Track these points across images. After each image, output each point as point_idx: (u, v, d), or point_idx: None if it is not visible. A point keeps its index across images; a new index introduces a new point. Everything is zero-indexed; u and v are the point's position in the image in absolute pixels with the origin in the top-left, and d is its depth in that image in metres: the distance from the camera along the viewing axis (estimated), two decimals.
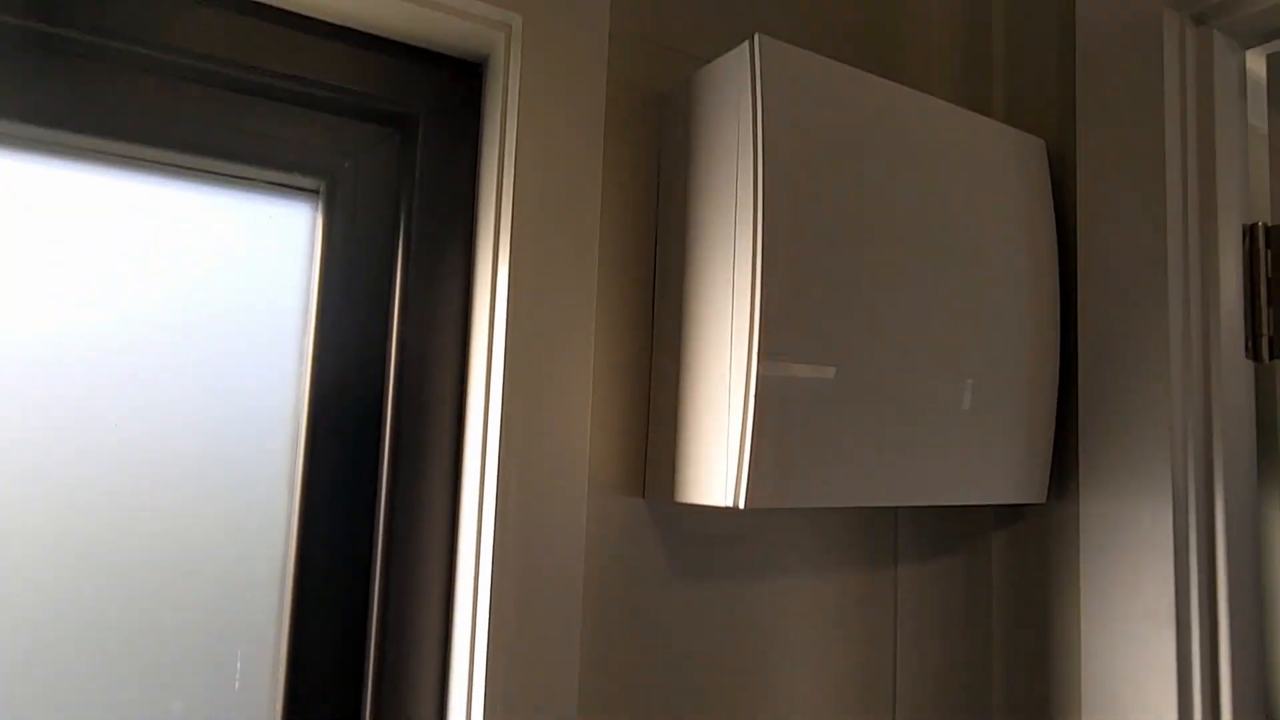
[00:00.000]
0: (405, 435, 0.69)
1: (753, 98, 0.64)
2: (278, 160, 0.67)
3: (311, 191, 0.69)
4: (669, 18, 0.77)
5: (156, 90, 0.63)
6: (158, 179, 0.64)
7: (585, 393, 0.68)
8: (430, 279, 0.71)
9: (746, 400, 0.61)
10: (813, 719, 0.78)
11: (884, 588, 0.84)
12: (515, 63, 0.68)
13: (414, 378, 0.69)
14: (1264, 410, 0.82)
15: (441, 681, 0.68)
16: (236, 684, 0.64)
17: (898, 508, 0.86)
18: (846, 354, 0.66)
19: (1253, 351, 0.77)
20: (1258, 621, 0.76)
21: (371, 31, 0.70)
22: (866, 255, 0.67)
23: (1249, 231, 0.78)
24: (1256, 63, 0.82)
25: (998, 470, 0.75)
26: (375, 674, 0.66)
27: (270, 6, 0.66)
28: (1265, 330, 0.77)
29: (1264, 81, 0.86)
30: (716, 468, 0.64)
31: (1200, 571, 0.73)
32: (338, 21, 0.68)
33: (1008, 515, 0.89)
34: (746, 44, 0.65)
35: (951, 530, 0.89)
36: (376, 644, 0.66)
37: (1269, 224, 0.78)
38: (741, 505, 0.61)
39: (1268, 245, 0.77)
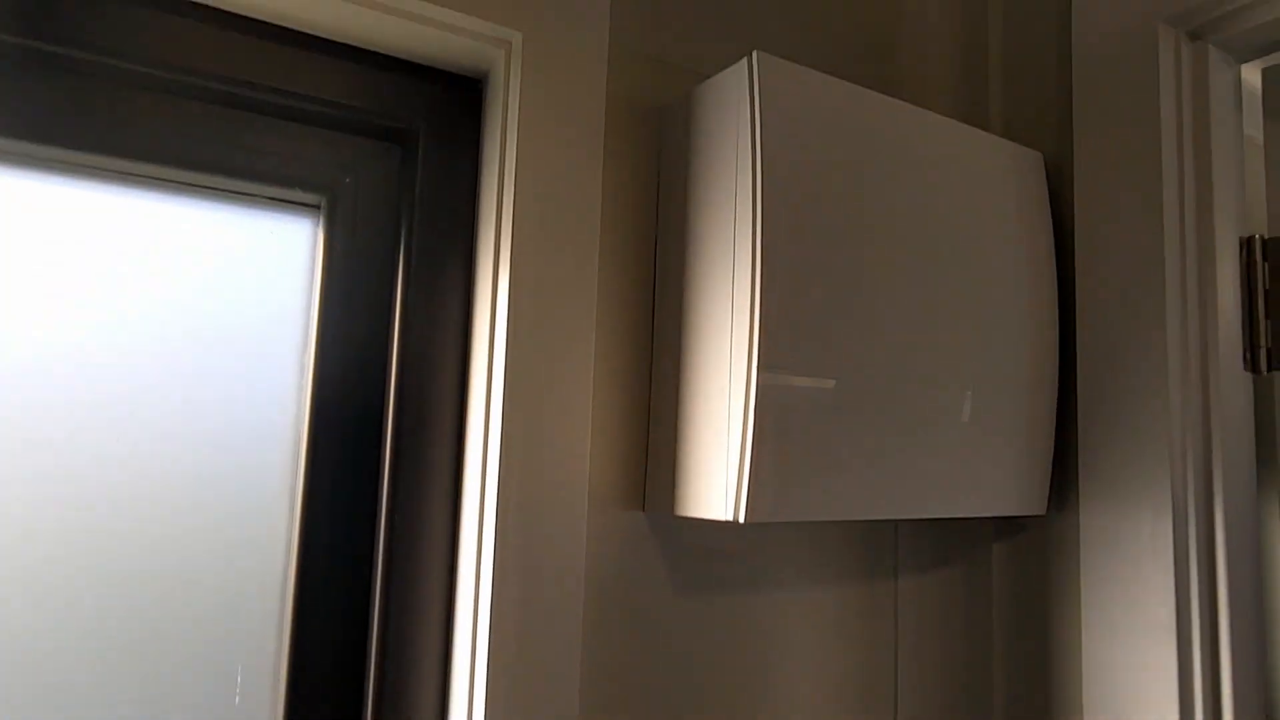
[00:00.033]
0: (405, 450, 0.69)
1: (751, 114, 0.64)
2: (279, 176, 0.68)
3: (313, 206, 0.70)
4: (668, 34, 0.78)
5: (159, 107, 0.63)
6: (160, 195, 0.64)
7: (585, 407, 0.68)
8: (430, 293, 0.71)
9: (746, 414, 0.62)
10: None
11: (884, 599, 0.84)
12: (515, 79, 0.68)
13: (414, 392, 0.69)
14: (1262, 422, 0.82)
15: (442, 698, 0.68)
16: (237, 699, 0.63)
17: (898, 520, 0.86)
18: (846, 367, 0.66)
19: (1251, 363, 0.77)
20: (1259, 632, 0.76)
21: (372, 49, 0.70)
22: (865, 269, 0.68)
23: (1246, 244, 0.78)
24: (1252, 74, 0.83)
25: (998, 482, 0.75)
26: (375, 690, 0.66)
27: (271, 24, 0.66)
28: (1263, 342, 0.77)
29: (1259, 93, 0.87)
30: (716, 482, 0.64)
31: (1201, 582, 0.73)
32: (339, 39, 0.69)
33: (1008, 527, 0.89)
34: (745, 60, 0.65)
35: (952, 542, 0.89)
36: (377, 661, 0.66)
37: (1265, 236, 0.78)
38: (742, 519, 0.61)
39: (1264, 257, 0.78)
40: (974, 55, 0.95)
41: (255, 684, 0.64)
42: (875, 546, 0.84)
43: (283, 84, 0.66)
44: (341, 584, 0.67)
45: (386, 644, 0.67)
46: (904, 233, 0.70)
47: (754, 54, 0.65)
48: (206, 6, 0.64)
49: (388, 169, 0.72)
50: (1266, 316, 0.77)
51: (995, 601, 0.89)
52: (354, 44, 0.69)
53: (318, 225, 0.70)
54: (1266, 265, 0.78)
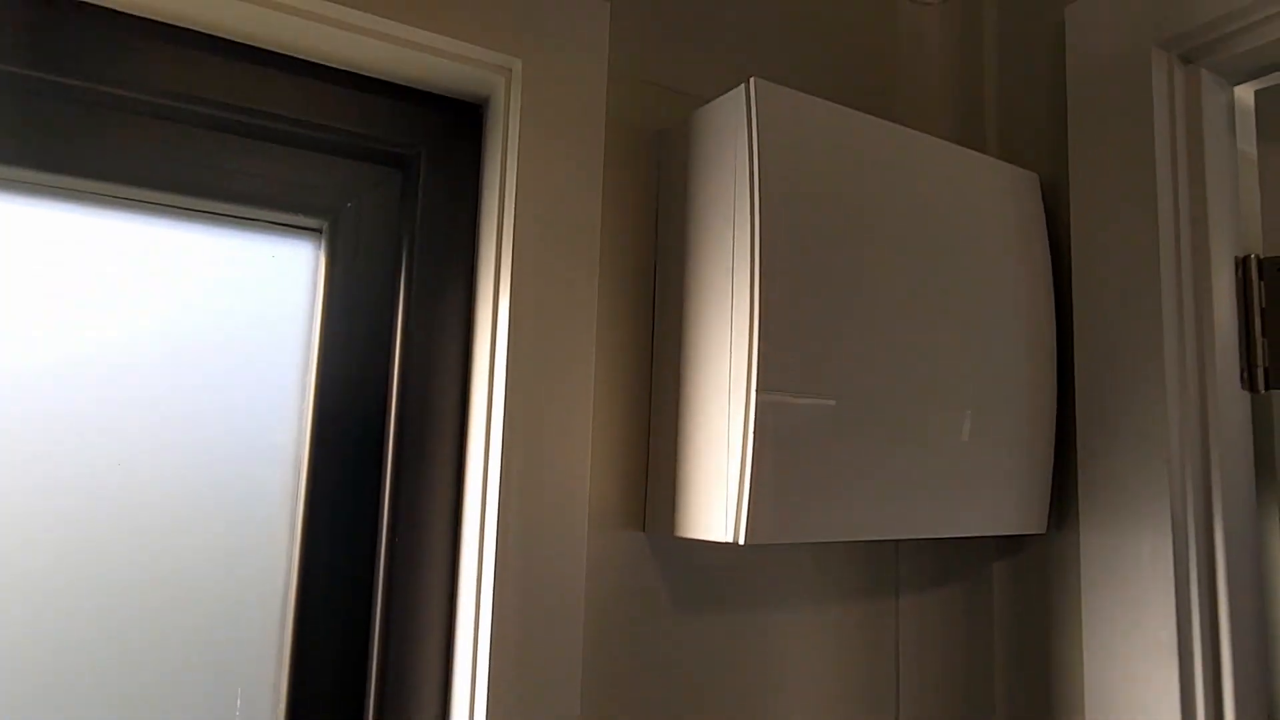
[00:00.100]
0: (406, 471, 0.69)
1: (749, 139, 0.65)
2: (280, 201, 0.68)
3: (314, 231, 0.70)
4: (667, 59, 0.79)
5: (163, 134, 0.64)
6: (163, 221, 0.65)
7: (585, 428, 0.69)
8: (431, 317, 0.71)
9: (746, 435, 0.62)
10: None
11: (885, 619, 0.84)
12: (515, 105, 0.69)
13: (415, 414, 0.70)
14: (1260, 441, 0.82)
15: (443, 717, 0.68)
16: (237, 714, 0.63)
17: (898, 539, 0.86)
18: (845, 387, 0.66)
19: (1248, 382, 0.78)
20: (1261, 650, 0.76)
21: (374, 75, 0.71)
22: (864, 290, 0.68)
23: (1241, 264, 0.79)
24: (1245, 93, 0.83)
25: (998, 501, 0.75)
26: (375, 709, 0.66)
27: (273, 52, 0.67)
28: (1260, 361, 0.77)
29: (1253, 115, 0.87)
30: (716, 503, 0.64)
31: (1202, 601, 0.73)
32: (340, 66, 0.69)
33: (1008, 546, 0.89)
34: (743, 86, 0.66)
35: (952, 561, 0.89)
36: (377, 680, 0.66)
37: (1261, 255, 0.79)
38: (742, 541, 0.61)
39: (1260, 277, 0.78)
40: (970, 79, 0.96)
41: (256, 696, 0.64)
42: (876, 565, 0.84)
43: (285, 110, 0.67)
44: (342, 605, 0.67)
45: (387, 663, 0.67)
46: (902, 254, 0.71)
47: (751, 80, 0.65)
48: (210, 35, 0.65)
49: (389, 193, 0.73)
50: (1263, 335, 0.77)
51: (996, 620, 0.89)
52: (355, 71, 0.70)
53: (319, 249, 0.70)
54: (1262, 284, 0.78)
